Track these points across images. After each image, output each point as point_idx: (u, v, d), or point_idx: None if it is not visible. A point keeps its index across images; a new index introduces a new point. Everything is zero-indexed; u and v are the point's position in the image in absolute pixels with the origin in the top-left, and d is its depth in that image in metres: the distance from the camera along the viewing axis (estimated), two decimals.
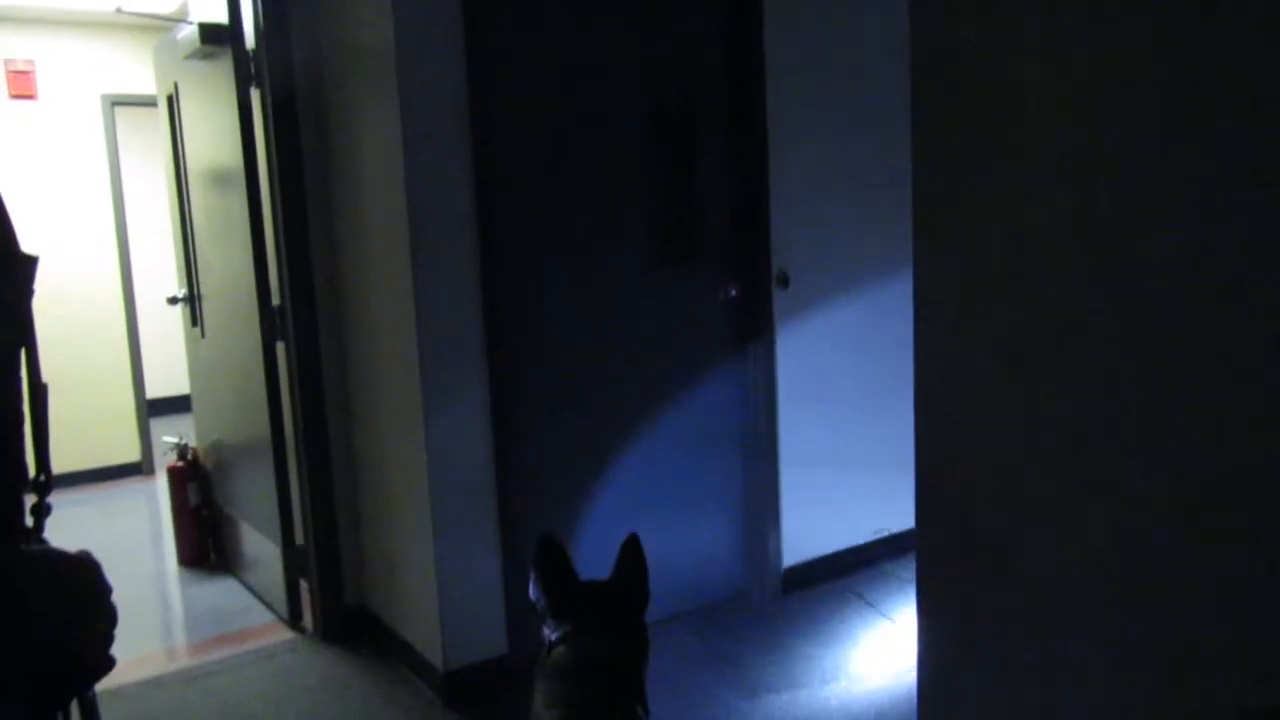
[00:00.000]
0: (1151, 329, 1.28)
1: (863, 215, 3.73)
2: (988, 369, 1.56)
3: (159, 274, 6.57)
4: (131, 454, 6.14)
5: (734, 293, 3.48)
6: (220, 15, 3.33)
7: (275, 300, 3.38)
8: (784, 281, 3.52)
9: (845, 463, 3.81)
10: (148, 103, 5.07)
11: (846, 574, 3.80)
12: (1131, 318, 1.30)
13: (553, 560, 1.61)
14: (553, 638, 1.56)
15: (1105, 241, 1.33)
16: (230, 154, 3.40)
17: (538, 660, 1.59)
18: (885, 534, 3.93)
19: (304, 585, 3.55)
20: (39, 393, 0.94)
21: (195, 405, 4.52)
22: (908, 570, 3.56)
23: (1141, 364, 1.30)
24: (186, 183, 4.10)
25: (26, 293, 0.92)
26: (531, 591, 1.63)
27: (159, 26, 5.02)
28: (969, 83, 1.51)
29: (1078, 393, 1.40)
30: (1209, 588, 1.25)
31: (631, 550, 1.64)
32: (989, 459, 1.58)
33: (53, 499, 0.96)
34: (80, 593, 0.82)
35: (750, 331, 3.53)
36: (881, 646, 3.21)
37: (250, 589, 3.98)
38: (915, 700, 1.78)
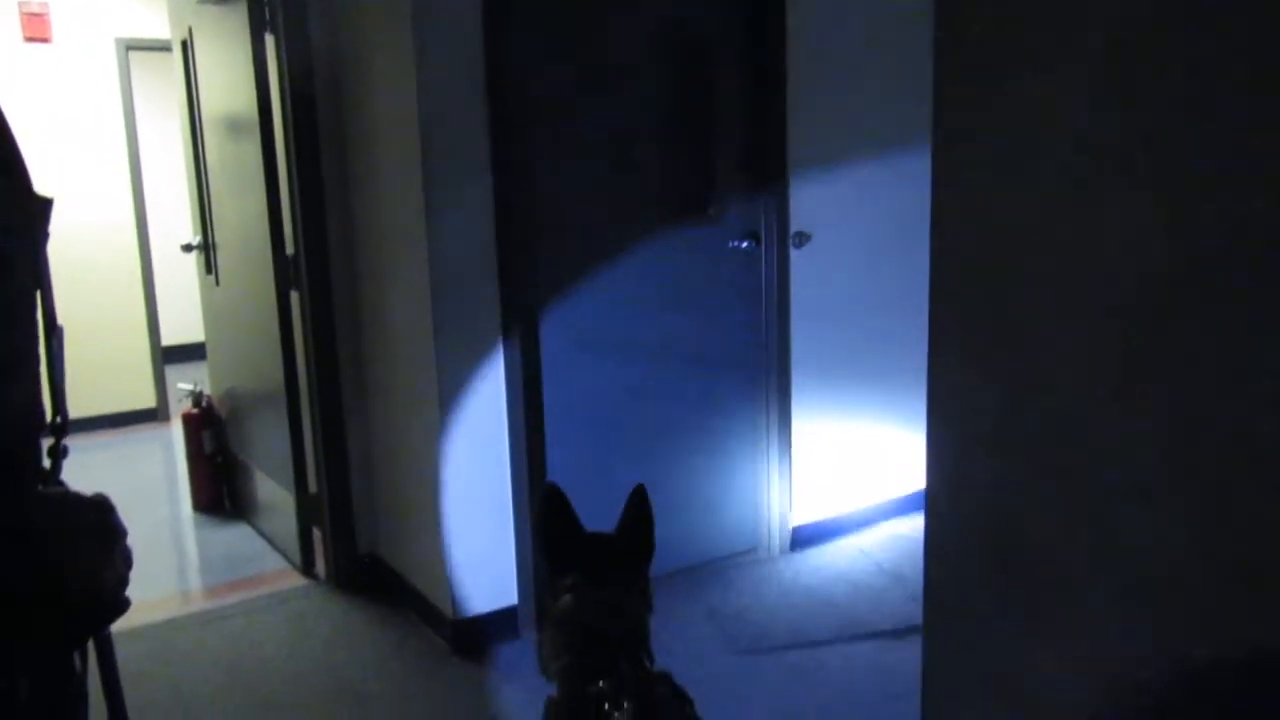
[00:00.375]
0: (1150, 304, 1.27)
1: (882, 174, 3.69)
2: (1001, 337, 1.55)
3: (174, 220, 6.57)
4: (146, 400, 6.19)
5: (745, 245, 3.45)
6: None
7: (289, 249, 3.37)
8: (801, 239, 3.50)
9: (858, 422, 3.82)
10: (162, 48, 5.03)
11: (855, 533, 3.82)
12: (1138, 299, 1.29)
13: (556, 511, 1.61)
14: (558, 589, 1.57)
15: (1125, 217, 1.31)
16: (244, 101, 3.38)
17: (544, 611, 1.60)
18: (894, 495, 3.94)
19: (316, 533, 3.59)
20: (54, 335, 0.94)
21: (210, 353, 4.54)
22: (916, 531, 3.57)
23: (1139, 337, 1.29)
24: (201, 129, 4.08)
25: (42, 234, 0.92)
26: (536, 542, 1.64)
27: None
28: (992, 54, 1.48)
29: (1085, 365, 1.39)
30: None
31: (638, 501, 1.64)
32: (1000, 429, 1.57)
33: (68, 443, 0.97)
34: (97, 534, 0.83)
35: (765, 285, 3.51)
36: (887, 605, 3.23)
37: (264, 535, 4.03)
38: (920, 661, 1.79)
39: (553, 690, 1.48)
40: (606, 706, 1.34)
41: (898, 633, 3.02)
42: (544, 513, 1.63)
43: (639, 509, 1.64)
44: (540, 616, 1.59)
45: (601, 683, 1.37)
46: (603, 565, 1.58)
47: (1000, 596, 1.62)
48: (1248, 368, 1.19)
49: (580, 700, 1.39)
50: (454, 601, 2.96)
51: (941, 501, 1.74)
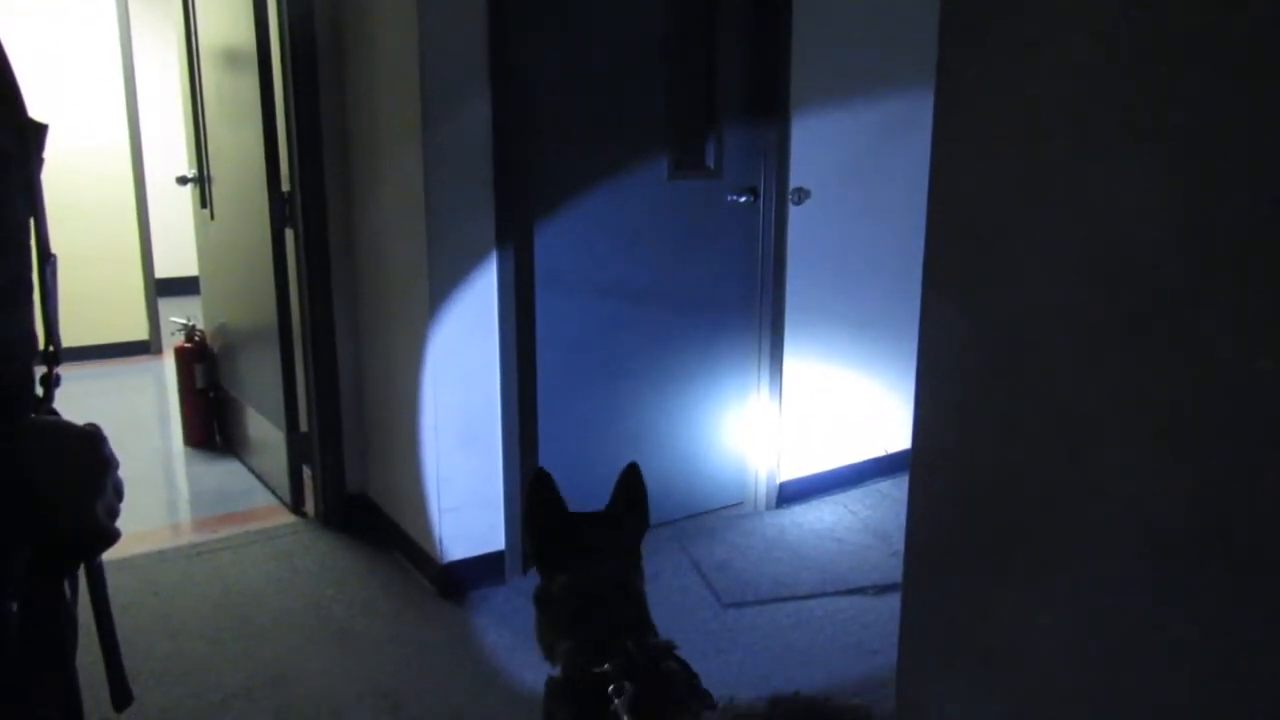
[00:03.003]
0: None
1: (884, 133, 3.66)
2: (993, 298, 1.55)
3: (170, 152, 6.51)
4: (139, 332, 6.18)
5: (744, 199, 3.44)
6: None
7: (285, 186, 3.35)
8: (800, 196, 3.48)
9: (848, 382, 3.83)
10: None
11: (842, 491, 3.86)
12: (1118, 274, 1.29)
13: (546, 496, 1.60)
14: (552, 571, 1.56)
15: (1122, 177, 1.30)
16: (243, 32, 3.33)
17: (541, 594, 1.57)
18: (882, 454, 3.97)
19: (306, 471, 3.61)
20: (48, 263, 0.93)
21: (203, 287, 4.53)
22: (901, 490, 3.60)
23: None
24: (198, 60, 4.02)
25: (36, 161, 0.91)
26: (525, 527, 1.63)
27: None
28: (996, 13, 1.46)
29: (1077, 326, 1.39)
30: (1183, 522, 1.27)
31: (631, 479, 1.63)
32: (988, 391, 1.58)
33: (60, 372, 0.97)
34: (88, 463, 0.83)
35: (762, 241, 3.50)
36: (870, 563, 3.27)
37: (254, 472, 4.05)
38: (899, 618, 1.82)
39: (554, 670, 1.48)
40: (611, 689, 1.32)
41: (879, 589, 3.07)
42: (533, 498, 1.61)
43: (632, 486, 1.63)
44: (538, 599, 1.58)
45: (607, 665, 1.36)
46: (596, 543, 1.58)
47: (980, 557, 1.65)
48: (1244, 329, 1.19)
49: (584, 682, 1.38)
50: (440, 544, 2.99)
51: (926, 461, 1.75)
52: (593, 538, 1.59)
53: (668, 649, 1.45)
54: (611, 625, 1.45)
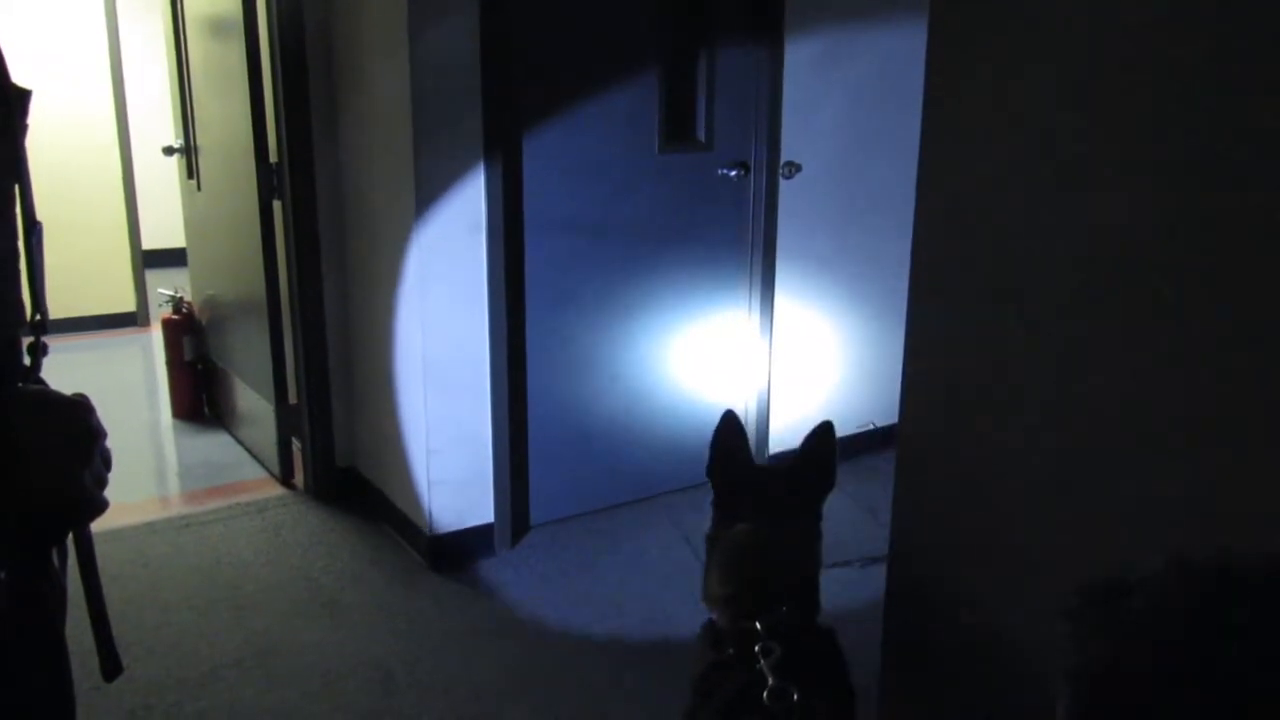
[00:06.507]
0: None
1: (875, 109, 3.65)
2: (978, 285, 1.55)
3: (157, 122, 6.43)
4: (126, 304, 6.13)
5: (734, 174, 3.42)
6: None
7: (273, 157, 3.32)
8: (791, 170, 3.47)
9: (837, 356, 3.84)
10: None
11: None
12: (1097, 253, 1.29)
13: (732, 439, 1.58)
14: (730, 516, 1.53)
15: (1099, 179, 1.30)
16: (229, 0, 3.28)
17: (713, 537, 1.55)
18: (871, 427, 3.98)
19: (296, 444, 3.60)
20: (33, 232, 0.92)
21: (191, 259, 4.50)
22: (888, 465, 3.61)
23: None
24: (184, 28, 3.97)
25: (19, 127, 0.90)
26: (709, 467, 1.59)
27: None
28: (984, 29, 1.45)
29: (1062, 316, 1.40)
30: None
31: (821, 436, 1.60)
32: (974, 374, 1.59)
33: (47, 342, 0.96)
34: (76, 432, 0.83)
35: (753, 216, 3.49)
36: (858, 534, 3.29)
37: (243, 444, 4.04)
38: (885, 585, 1.84)
39: (709, 615, 1.47)
40: (758, 648, 1.32)
41: (865, 562, 3.09)
42: (719, 443, 1.59)
43: (821, 444, 1.60)
44: (709, 541, 1.54)
45: (757, 622, 1.35)
46: (777, 498, 1.55)
47: (964, 541, 1.66)
48: (1234, 327, 1.20)
49: (734, 635, 1.38)
50: (430, 517, 3.00)
51: (913, 445, 1.76)
52: (775, 492, 1.56)
53: (827, 632, 1.44)
54: (773, 582, 1.42)
